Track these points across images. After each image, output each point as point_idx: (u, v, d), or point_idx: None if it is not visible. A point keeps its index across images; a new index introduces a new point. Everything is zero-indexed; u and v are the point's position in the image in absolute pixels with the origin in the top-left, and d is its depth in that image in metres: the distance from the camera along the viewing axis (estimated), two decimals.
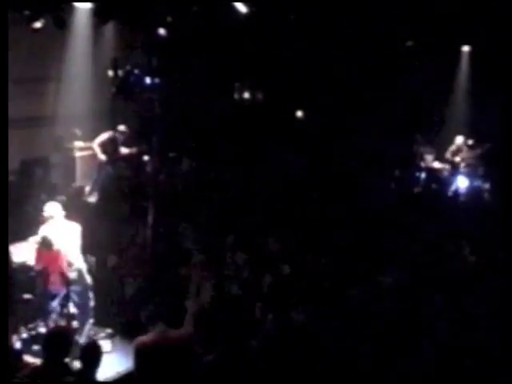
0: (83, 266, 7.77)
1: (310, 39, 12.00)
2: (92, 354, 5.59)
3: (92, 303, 7.88)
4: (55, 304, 7.70)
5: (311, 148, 12.95)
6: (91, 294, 7.88)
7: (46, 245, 7.63)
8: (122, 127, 12.30)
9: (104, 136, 12.17)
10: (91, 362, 5.56)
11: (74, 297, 7.78)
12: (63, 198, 9.76)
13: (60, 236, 7.67)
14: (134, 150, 12.39)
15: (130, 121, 12.42)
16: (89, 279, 7.80)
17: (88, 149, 12.32)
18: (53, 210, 7.80)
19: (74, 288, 7.71)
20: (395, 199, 11.68)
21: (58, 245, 7.63)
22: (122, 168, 12.52)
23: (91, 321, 7.94)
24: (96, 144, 12.15)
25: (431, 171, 12.63)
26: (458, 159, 12.64)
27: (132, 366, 6.75)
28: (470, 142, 12.66)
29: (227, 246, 9.27)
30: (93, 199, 11.83)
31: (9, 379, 5.38)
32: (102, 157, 12.10)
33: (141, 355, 5.73)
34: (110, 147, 12.17)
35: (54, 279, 7.68)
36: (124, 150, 12.36)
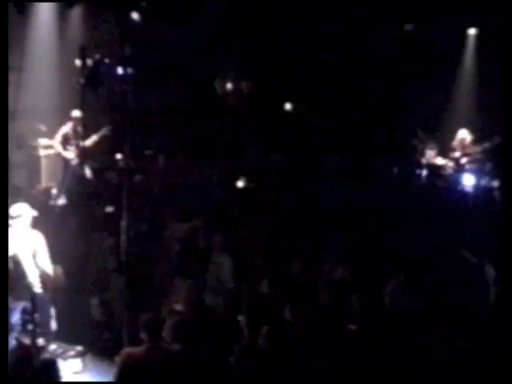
0: (34, 280, 7.57)
1: (300, 22, 12.01)
2: (48, 375, 5.66)
3: (53, 321, 7.71)
4: (15, 319, 7.53)
5: (299, 143, 12.97)
6: (52, 311, 7.71)
7: None
8: (75, 113, 11.99)
9: (63, 130, 12.02)
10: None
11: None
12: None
13: (19, 242, 7.54)
14: (96, 136, 12.22)
15: (100, 115, 12.42)
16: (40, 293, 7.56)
17: (54, 146, 12.21)
18: (20, 211, 7.69)
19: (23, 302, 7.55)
20: (393, 199, 11.50)
21: (14, 251, 7.49)
22: (91, 166, 12.49)
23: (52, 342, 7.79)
24: (57, 141, 12.03)
25: (433, 168, 12.48)
26: (462, 155, 12.63)
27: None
28: (476, 135, 12.63)
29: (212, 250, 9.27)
30: (61, 202, 11.73)
31: None
32: (67, 154, 12.00)
33: (127, 368, 5.89)
34: (71, 141, 12.04)
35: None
36: (87, 141, 12.17)
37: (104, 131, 12.23)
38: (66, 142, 12.05)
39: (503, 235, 6.59)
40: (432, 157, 12.57)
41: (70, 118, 12.05)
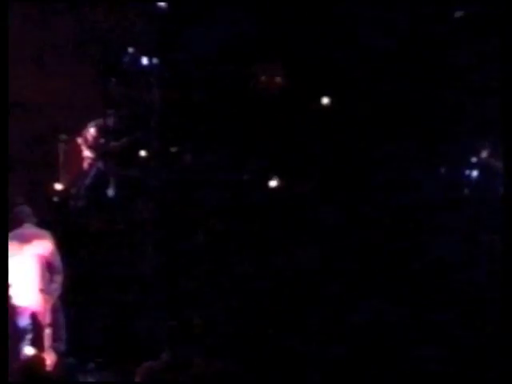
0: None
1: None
2: None
3: (63, 329, 7.75)
4: (25, 323, 7.50)
5: (337, 141, 12.68)
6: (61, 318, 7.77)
7: None
8: (103, 109, 11.90)
9: (91, 125, 11.88)
10: None
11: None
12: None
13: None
14: (124, 141, 11.97)
15: (123, 109, 12.04)
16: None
17: (73, 142, 12.15)
18: (23, 214, 8.18)
19: None
20: (439, 204, 11.25)
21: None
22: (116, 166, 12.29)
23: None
24: (81, 138, 11.95)
25: (486, 169, 12.22)
26: None
27: None
28: None
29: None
30: (81, 204, 11.77)
31: None
32: (88, 153, 11.90)
33: (147, 382, 6.23)
34: (97, 139, 11.91)
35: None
36: (114, 143, 12.01)
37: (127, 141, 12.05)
38: (90, 138, 11.98)
39: None
40: (486, 157, 12.35)
41: (96, 114, 12.00)
